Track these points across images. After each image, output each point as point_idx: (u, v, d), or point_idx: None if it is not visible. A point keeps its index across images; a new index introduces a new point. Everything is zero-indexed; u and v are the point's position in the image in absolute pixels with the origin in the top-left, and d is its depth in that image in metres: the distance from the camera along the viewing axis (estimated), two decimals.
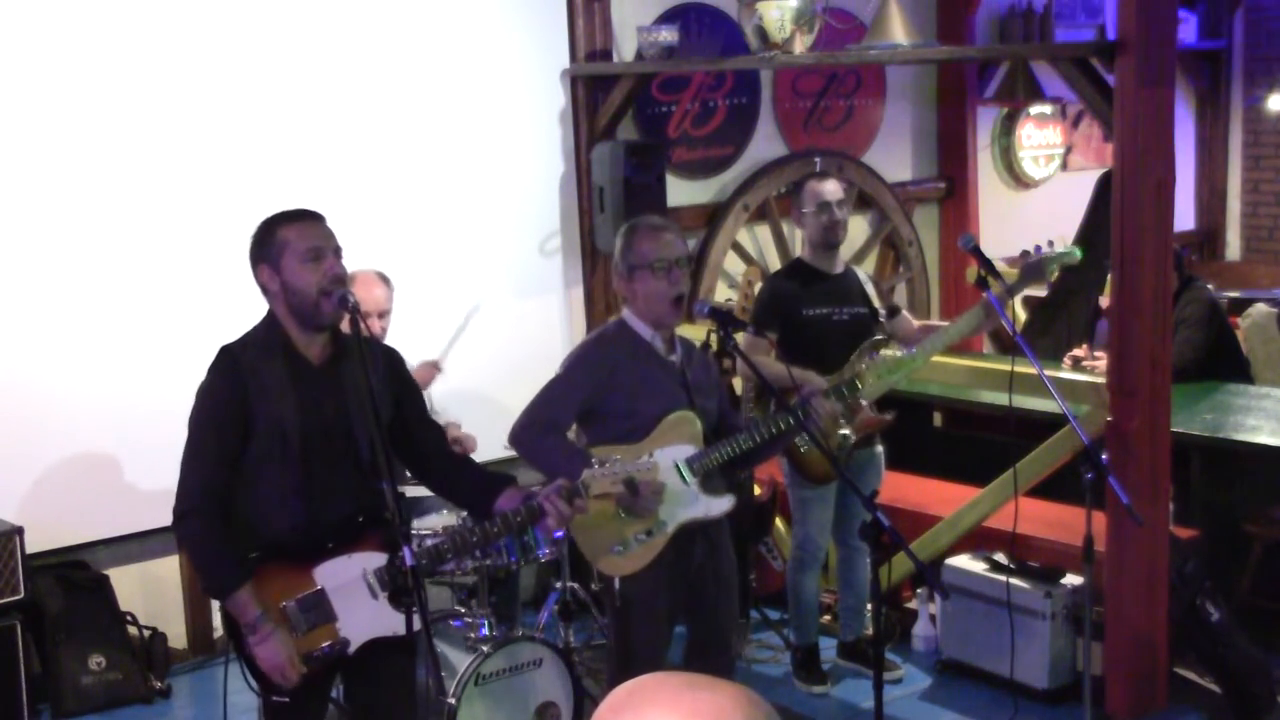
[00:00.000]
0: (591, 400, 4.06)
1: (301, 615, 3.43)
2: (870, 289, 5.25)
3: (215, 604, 3.53)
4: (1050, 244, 5.01)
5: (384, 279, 5.04)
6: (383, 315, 5.01)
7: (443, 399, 5.61)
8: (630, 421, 4.03)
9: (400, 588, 3.25)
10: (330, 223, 3.56)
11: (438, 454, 3.77)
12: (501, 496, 3.65)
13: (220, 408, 3.45)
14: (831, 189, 5.18)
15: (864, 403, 4.93)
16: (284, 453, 3.44)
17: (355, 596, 3.48)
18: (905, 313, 5.41)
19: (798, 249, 7.17)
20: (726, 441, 4.06)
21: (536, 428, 4.05)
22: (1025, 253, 4.92)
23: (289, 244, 3.46)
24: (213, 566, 3.47)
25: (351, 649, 3.49)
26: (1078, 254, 4.97)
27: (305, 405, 3.47)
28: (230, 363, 3.48)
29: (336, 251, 3.50)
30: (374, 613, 3.49)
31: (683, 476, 4.02)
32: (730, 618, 4.36)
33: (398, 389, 3.66)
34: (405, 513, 3.46)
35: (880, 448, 5.33)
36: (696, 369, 4.17)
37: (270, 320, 3.53)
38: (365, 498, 3.52)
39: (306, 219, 3.51)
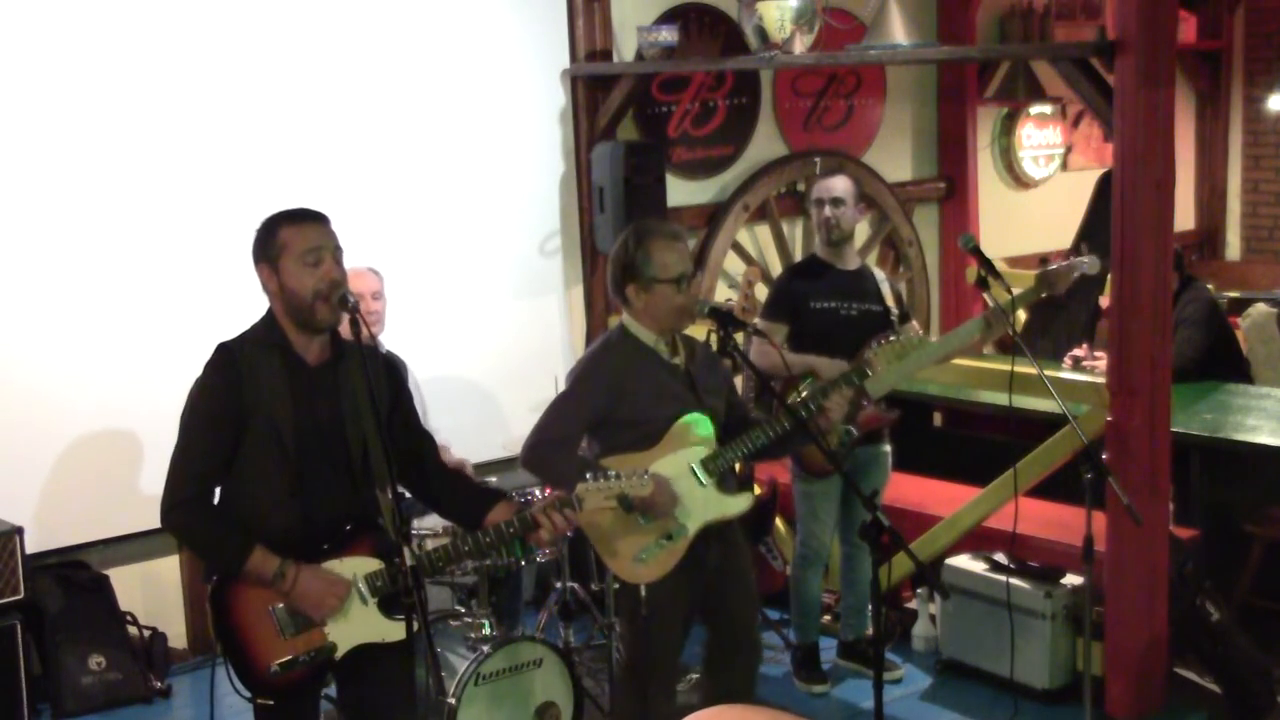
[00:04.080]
0: (600, 412, 4.04)
1: (289, 618, 3.42)
2: (886, 289, 5.24)
3: None
4: (1081, 249, 5.00)
5: (373, 271, 5.14)
6: (376, 296, 5.07)
7: (442, 399, 5.60)
8: (641, 429, 4.02)
9: (400, 589, 3.24)
10: (331, 222, 3.55)
11: (428, 464, 3.72)
12: (494, 510, 3.63)
13: (215, 404, 3.42)
14: (829, 185, 5.22)
15: (870, 398, 4.92)
16: (279, 453, 3.42)
17: (345, 601, 3.48)
18: (914, 322, 5.38)
19: (798, 249, 7.20)
20: (739, 440, 4.05)
21: (546, 446, 4.04)
22: (1044, 259, 4.91)
23: (288, 245, 3.43)
24: (216, 546, 3.45)
25: (339, 654, 3.48)
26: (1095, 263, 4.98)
27: (300, 406, 3.44)
28: (227, 360, 3.45)
29: (336, 254, 3.47)
30: (363, 618, 3.48)
31: (699, 479, 4.03)
32: (752, 614, 4.35)
33: (393, 397, 3.64)
34: (405, 512, 3.45)
35: (888, 446, 5.32)
36: (702, 368, 4.16)
37: (269, 319, 3.51)
38: (358, 502, 3.50)
39: (308, 220, 3.48)
